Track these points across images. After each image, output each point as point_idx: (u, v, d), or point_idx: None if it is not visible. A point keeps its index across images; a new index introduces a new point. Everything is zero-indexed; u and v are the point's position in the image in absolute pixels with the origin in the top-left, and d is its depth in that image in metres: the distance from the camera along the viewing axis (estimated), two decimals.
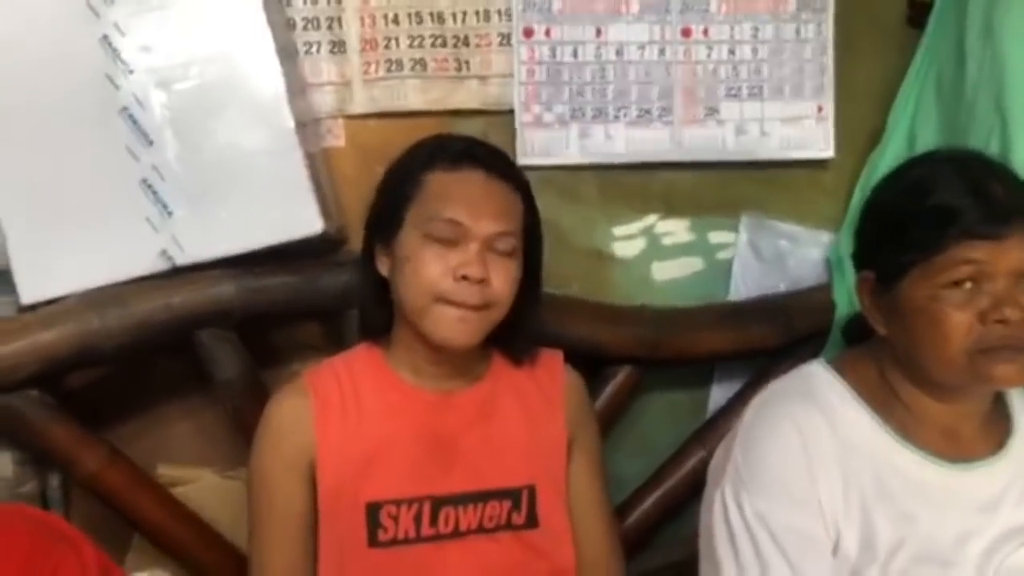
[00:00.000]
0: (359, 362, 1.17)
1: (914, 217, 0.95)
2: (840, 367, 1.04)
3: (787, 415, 0.98)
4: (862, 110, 1.52)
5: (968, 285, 0.93)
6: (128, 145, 1.24)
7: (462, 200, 1.09)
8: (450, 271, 1.07)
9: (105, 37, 1.25)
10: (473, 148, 1.15)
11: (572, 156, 1.49)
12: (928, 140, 1.39)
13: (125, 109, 1.25)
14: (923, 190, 0.96)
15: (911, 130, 1.44)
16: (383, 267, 1.14)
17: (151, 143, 1.25)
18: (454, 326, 1.08)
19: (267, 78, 1.27)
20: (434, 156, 1.13)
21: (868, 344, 1.05)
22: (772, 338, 1.41)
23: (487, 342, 1.16)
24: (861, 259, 1.04)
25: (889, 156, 1.43)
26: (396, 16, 1.46)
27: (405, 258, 1.10)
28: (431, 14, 1.46)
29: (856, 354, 1.06)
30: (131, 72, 1.25)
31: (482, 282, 1.08)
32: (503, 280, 1.10)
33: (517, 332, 1.18)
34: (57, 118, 1.25)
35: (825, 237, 1.49)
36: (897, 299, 0.96)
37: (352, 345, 1.21)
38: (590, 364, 1.39)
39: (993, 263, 0.92)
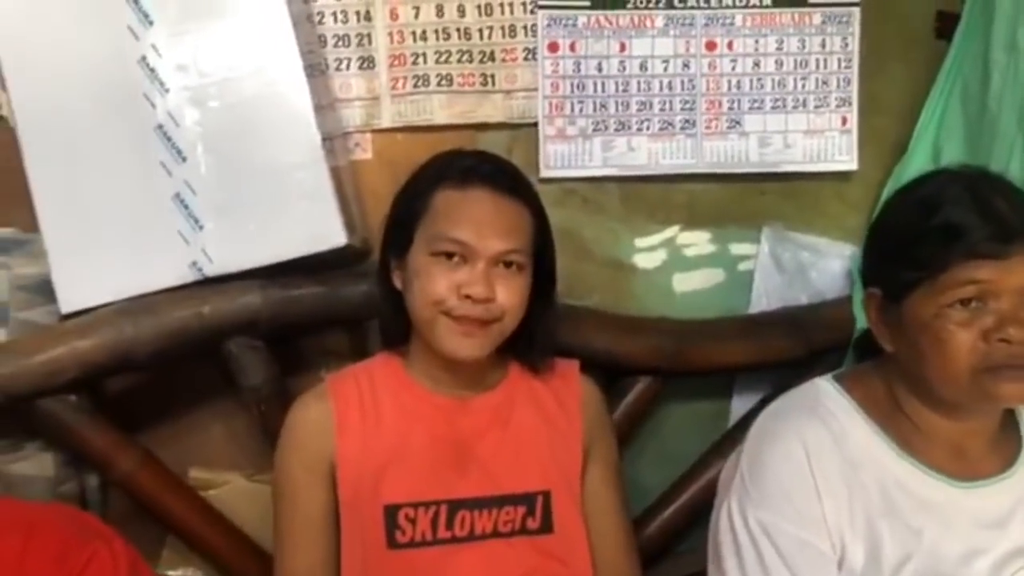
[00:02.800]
0: (379, 369, 1.20)
1: (920, 235, 0.95)
2: (848, 383, 1.04)
3: (793, 430, 0.99)
4: (887, 122, 1.51)
5: (973, 304, 0.93)
6: (162, 161, 1.30)
7: (468, 219, 1.11)
8: (455, 289, 1.10)
9: (143, 58, 1.30)
10: (481, 165, 1.16)
11: (595, 168, 1.51)
12: (952, 153, 1.39)
13: (160, 127, 1.30)
14: (929, 208, 0.96)
15: (936, 143, 1.43)
16: (397, 280, 1.18)
17: (184, 159, 1.30)
18: (460, 341, 1.11)
19: (295, 95, 1.32)
20: (442, 174, 1.15)
21: (876, 360, 1.05)
22: (792, 351, 1.41)
23: (504, 351, 1.19)
24: (869, 275, 1.04)
25: (913, 169, 1.42)
26: (424, 32, 1.50)
27: (415, 273, 1.13)
28: (458, 30, 1.49)
29: (864, 370, 1.06)
30: (167, 91, 1.31)
31: (487, 300, 1.10)
32: (510, 295, 1.12)
33: (533, 342, 1.20)
34: (97, 135, 1.30)
35: (848, 250, 1.49)
36: (903, 316, 0.97)
37: (375, 353, 1.25)
38: (611, 375, 1.41)
39: (998, 282, 0.92)
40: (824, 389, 1.03)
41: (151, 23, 1.30)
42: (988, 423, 1.01)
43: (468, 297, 1.10)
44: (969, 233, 0.92)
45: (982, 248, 0.91)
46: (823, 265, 1.49)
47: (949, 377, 0.94)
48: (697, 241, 1.54)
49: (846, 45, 1.51)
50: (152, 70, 1.31)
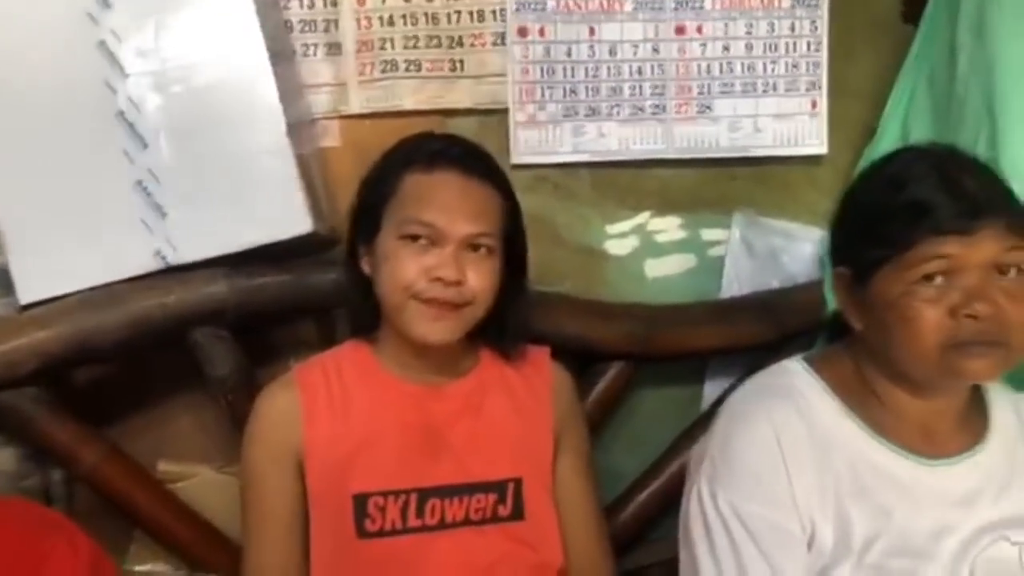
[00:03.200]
0: (347, 357, 1.19)
1: (886, 213, 0.95)
2: (817, 364, 1.04)
3: (763, 411, 0.98)
4: (856, 106, 1.52)
5: (939, 280, 0.93)
6: (124, 148, 1.27)
7: (437, 202, 1.10)
8: (425, 272, 1.09)
9: (102, 42, 1.28)
10: (449, 148, 1.15)
11: (566, 154, 1.51)
12: (921, 136, 1.39)
13: (121, 113, 1.27)
14: (895, 186, 0.96)
15: (904, 126, 1.44)
16: (366, 266, 1.16)
17: (146, 146, 1.27)
18: (430, 324, 1.10)
19: (260, 81, 1.30)
20: (410, 157, 1.14)
21: (846, 341, 1.05)
22: (764, 334, 1.41)
23: (475, 337, 1.18)
24: (837, 255, 1.04)
25: (881, 152, 1.41)
26: (391, 18, 1.48)
27: (383, 258, 1.12)
28: (426, 15, 1.48)
29: (833, 351, 1.06)
30: (127, 76, 1.28)
31: (457, 283, 1.09)
32: (480, 279, 1.11)
33: (504, 327, 1.20)
34: (56, 121, 1.27)
35: (818, 234, 1.49)
36: (870, 294, 0.97)
37: (344, 341, 1.23)
38: (583, 360, 1.41)
39: (964, 258, 0.92)
40: (793, 370, 1.03)
41: (110, 6, 1.28)
42: (956, 401, 1.01)
43: (438, 280, 1.09)
44: (935, 209, 0.92)
45: (948, 224, 0.91)
46: (794, 249, 1.49)
47: (917, 354, 0.94)
48: (668, 227, 1.53)
49: (815, 29, 1.51)
50: (111, 55, 1.28)
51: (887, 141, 1.44)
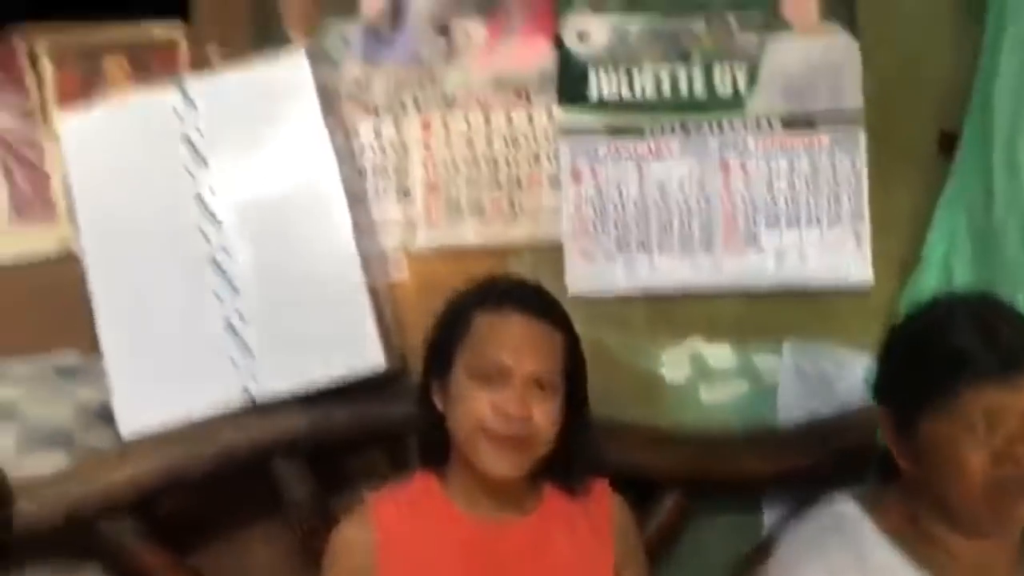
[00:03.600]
0: (418, 489, 1.25)
1: (927, 360, 1.00)
2: (871, 504, 1.06)
3: (816, 555, 1.01)
4: (899, 237, 1.57)
5: (983, 427, 0.97)
6: (216, 291, 1.39)
7: (505, 342, 1.18)
8: (494, 408, 1.16)
9: (199, 195, 1.42)
10: (516, 290, 1.24)
11: (619, 286, 1.59)
12: (962, 271, 1.44)
13: (214, 259, 1.40)
14: (936, 334, 1.01)
15: (946, 261, 1.48)
16: (438, 401, 1.24)
17: (235, 290, 1.39)
18: (499, 459, 1.16)
19: (337, 224, 1.41)
20: (480, 300, 1.23)
21: (898, 480, 1.08)
22: (819, 461, 1.44)
23: (539, 473, 1.24)
24: (881, 396, 1.08)
25: (925, 285, 1.48)
26: (455, 162, 1.61)
27: (455, 394, 1.20)
28: (486, 160, 1.60)
29: (887, 491, 1.09)
30: (220, 224, 1.41)
31: (524, 419, 1.16)
32: (544, 415, 1.18)
33: (568, 463, 1.25)
34: (157, 268, 1.41)
35: (867, 361, 1.53)
36: (916, 437, 1.01)
37: (414, 470, 1.30)
38: (640, 488, 1.45)
39: (1007, 405, 0.96)
40: (846, 512, 1.06)
41: (206, 164, 1.42)
42: (1010, 542, 1.03)
43: (506, 415, 1.16)
44: (976, 360, 0.96)
45: (989, 374, 0.95)
46: (846, 376, 1.53)
47: (964, 499, 0.97)
48: (721, 354, 1.59)
49: (854, 164, 1.59)
50: (206, 206, 1.42)
51: (930, 275, 1.49)
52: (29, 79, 1.58)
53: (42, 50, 1.59)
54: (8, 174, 1.59)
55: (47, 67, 1.59)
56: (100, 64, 1.60)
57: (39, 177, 1.58)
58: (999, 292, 1.15)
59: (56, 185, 1.56)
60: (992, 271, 1.34)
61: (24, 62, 1.58)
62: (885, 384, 1.08)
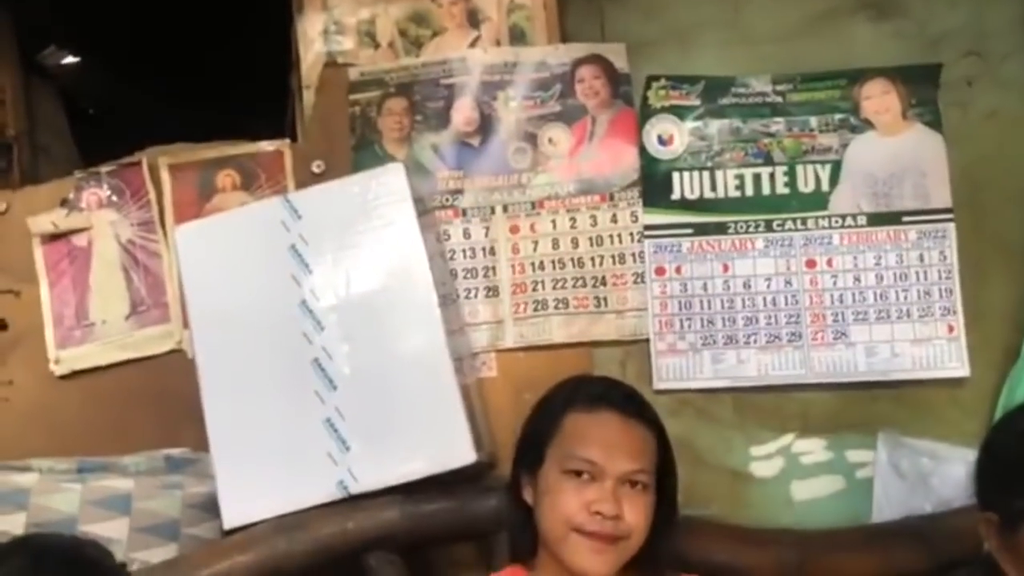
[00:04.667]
0: None
1: None
2: None
3: None
4: (996, 327, 1.55)
5: None
6: (316, 390, 1.46)
7: (598, 440, 1.21)
8: (586, 506, 1.18)
9: (303, 301, 1.50)
10: (609, 391, 1.27)
11: (706, 379, 1.60)
12: None
13: (316, 360, 1.48)
14: None
15: None
16: (528, 496, 1.26)
17: (335, 388, 1.46)
18: (590, 557, 1.17)
19: (430, 325, 1.48)
20: (573, 398, 1.26)
21: None
22: (919, 562, 1.40)
23: (626, 569, 1.24)
24: (983, 500, 1.05)
25: None
26: (542, 263, 1.66)
27: (546, 491, 1.22)
28: (572, 259, 1.66)
29: None
30: (322, 329, 1.49)
31: (616, 518, 1.17)
32: (636, 514, 1.19)
33: (655, 560, 1.25)
34: (262, 368, 1.49)
35: (970, 455, 1.48)
36: (1020, 543, 0.97)
37: (501, 565, 1.31)
38: None
39: None
40: None
41: (310, 271, 1.51)
42: None
43: (598, 514, 1.17)
44: None
45: None
46: (944, 471, 1.49)
47: None
48: (813, 449, 1.57)
49: (944, 257, 1.58)
50: (310, 311, 1.50)
51: None
52: (150, 192, 1.72)
53: (162, 165, 1.74)
54: (128, 279, 1.72)
55: (166, 181, 1.74)
56: (214, 178, 1.73)
57: (156, 282, 1.70)
58: None
59: (171, 290, 1.68)
60: None
61: (146, 177, 1.73)
62: (986, 487, 1.05)
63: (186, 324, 1.61)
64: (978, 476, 1.07)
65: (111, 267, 1.71)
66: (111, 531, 1.42)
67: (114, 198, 1.73)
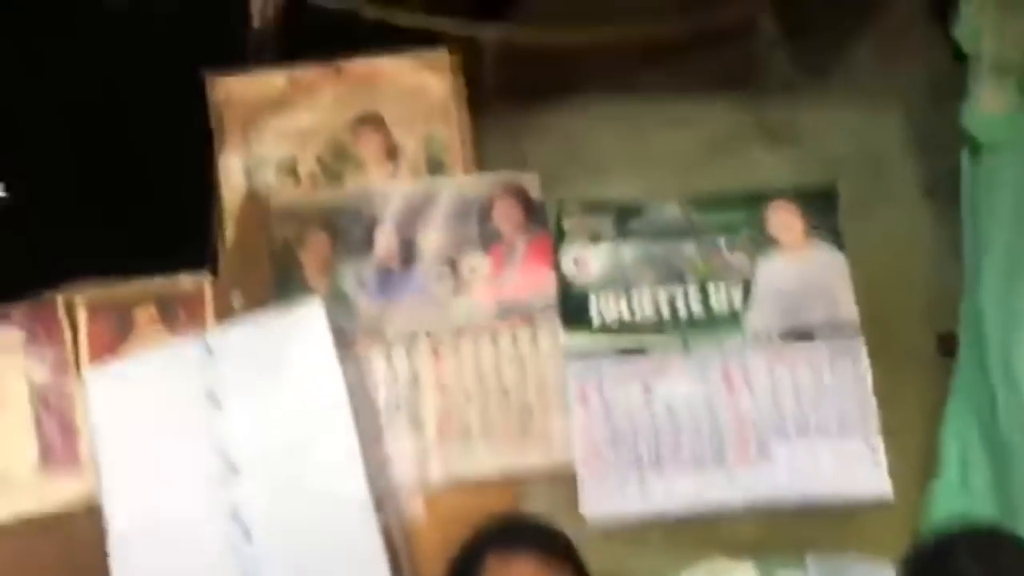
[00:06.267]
0: None
1: None
2: None
3: None
4: (913, 440, 1.57)
5: None
6: (233, 542, 1.41)
7: None
8: None
9: (218, 446, 1.46)
10: (525, 531, 1.29)
11: (634, 507, 1.58)
12: (981, 475, 1.43)
13: (232, 509, 1.43)
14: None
15: (962, 462, 1.48)
16: None
17: (251, 540, 1.42)
18: None
19: (350, 476, 1.45)
20: (491, 539, 1.27)
21: None
22: None
23: None
24: None
25: (947, 489, 1.47)
26: (467, 390, 1.65)
27: None
28: (496, 387, 1.65)
29: None
30: (239, 474, 1.45)
31: None
32: None
33: None
34: (175, 517, 1.45)
35: (894, 572, 1.49)
36: None
37: None
38: None
39: None
40: None
41: (226, 414, 1.48)
42: None
43: None
44: None
45: None
46: None
47: None
48: (744, 572, 1.55)
49: (857, 374, 1.61)
50: (226, 456, 1.47)
51: (948, 477, 1.48)
52: (65, 332, 1.68)
53: (79, 303, 1.70)
54: (39, 425, 1.66)
55: (82, 319, 1.69)
56: (131, 315, 1.69)
57: (68, 427, 1.64)
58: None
59: (84, 436, 1.62)
60: (1007, 483, 1.32)
61: (61, 315, 1.68)
62: None
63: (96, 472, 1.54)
64: None
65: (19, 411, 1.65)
66: None
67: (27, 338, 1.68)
